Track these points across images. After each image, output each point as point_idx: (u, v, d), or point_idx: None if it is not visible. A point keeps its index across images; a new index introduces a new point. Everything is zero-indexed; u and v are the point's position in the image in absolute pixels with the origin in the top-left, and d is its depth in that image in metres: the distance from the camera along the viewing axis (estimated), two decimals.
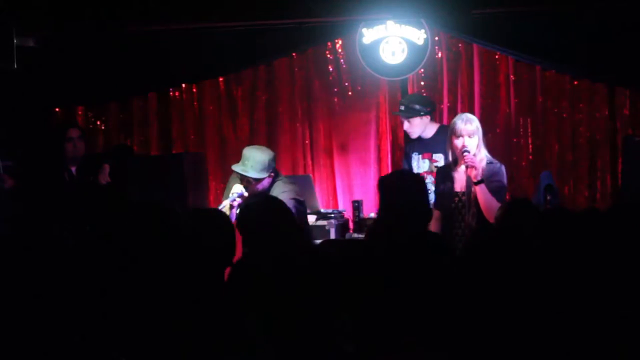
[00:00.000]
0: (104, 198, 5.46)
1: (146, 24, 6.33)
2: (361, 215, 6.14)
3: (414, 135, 5.86)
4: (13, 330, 2.87)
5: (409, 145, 6.09)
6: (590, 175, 6.48)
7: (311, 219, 5.73)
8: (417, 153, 5.92)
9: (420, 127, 5.81)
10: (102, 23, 6.20)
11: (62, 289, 3.11)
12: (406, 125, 5.86)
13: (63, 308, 2.98)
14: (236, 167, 5.04)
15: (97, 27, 6.22)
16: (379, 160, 6.90)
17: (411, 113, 5.80)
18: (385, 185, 3.86)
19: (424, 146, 5.87)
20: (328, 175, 6.93)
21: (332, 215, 6.10)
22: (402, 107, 5.85)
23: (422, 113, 5.79)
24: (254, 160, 4.95)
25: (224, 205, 5.03)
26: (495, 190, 4.61)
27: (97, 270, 3.27)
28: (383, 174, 6.84)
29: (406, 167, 6.06)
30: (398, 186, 3.81)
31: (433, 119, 5.91)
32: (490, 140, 6.49)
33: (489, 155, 4.73)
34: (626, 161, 6.07)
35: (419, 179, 4.03)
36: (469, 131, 4.66)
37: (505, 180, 4.74)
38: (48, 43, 6.19)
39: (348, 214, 6.39)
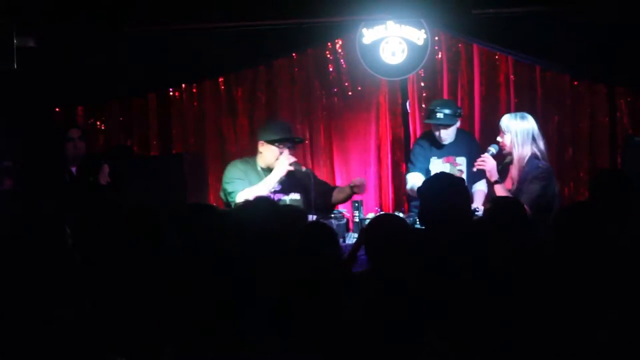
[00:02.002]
0: (104, 198, 5.46)
1: (146, 23, 6.32)
2: (361, 215, 6.12)
3: (448, 141, 5.80)
4: (12, 329, 2.88)
5: (424, 148, 5.97)
6: (590, 175, 6.48)
7: (311, 219, 5.72)
8: (436, 157, 5.86)
9: (455, 132, 5.79)
10: (102, 23, 6.20)
11: (64, 287, 3.12)
12: (443, 133, 5.75)
13: (66, 307, 2.98)
14: None
15: (97, 27, 6.22)
16: (379, 160, 6.90)
17: (452, 120, 5.72)
18: (428, 189, 3.84)
19: (445, 150, 5.83)
20: (328, 175, 6.92)
21: (332, 215, 6.08)
22: (440, 115, 5.71)
23: (456, 118, 5.77)
24: None
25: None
26: (527, 191, 4.80)
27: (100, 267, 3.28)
28: (383, 174, 6.88)
29: (421, 165, 5.99)
30: (439, 190, 3.80)
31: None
32: (491, 140, 6.53)
33: (537, 159, 4.91)
34: (626, 161, 6.08)
35: (463, 184, 4.03)
36: (500, 128, 5.01)
37: (541, 183, 4.86)
38: (48, 43, 6.19)
39: (348, 214, 6.38)
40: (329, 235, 3.47)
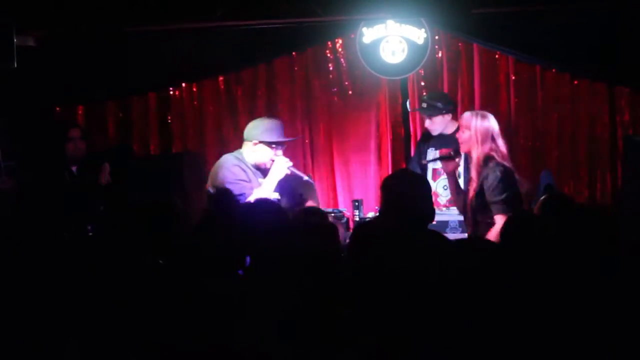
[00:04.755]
0: (104, 198, 5.46)
1: (146, 23, 6.32)
2: (361, 214, 6.13)
3: (435, 132, 5.92)
4: (14, 330, 2.88)
5: (424, 140, 6.12)
6: (590, 175, 6.49)
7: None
8: (433, 148, 5.93)
9: (442, 124, 5.87)
10: (102, 22, 6.19)
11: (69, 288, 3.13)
12: (427, 123, 5.92)
13: (72, 307, 2.98)
14: None
15: (97, 27, 6.21)
16: (379, 160, 6.90)
17: (433, 111, 5.86)
18: (388, 185, 3.85)
19: (443, 142, 5.87)
20: (328, 175, 6.93)
21: (332, 214, 6.09)
22: (424, 105, 5.91)
23: (444, 111, 5.86)
24: None
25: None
26: (499, 202, 4.71)
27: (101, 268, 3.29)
28: (383, 174, 6.87)
29: (416, 160, 6.07)
30: (402, 186, 3.80)
31: (455, 117, 5.94)
32: None
33: (494, 160, 4.79)
34: (626, 161, 6.08)
35: (424, 179, 4.05)
36: (461, 125, 4.93)
37: (498, 182, 4.75)
38: (48, 43, 6.19)
39: (348, 214, 6.38)
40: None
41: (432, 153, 5.93)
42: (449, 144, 5.79)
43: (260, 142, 5.26)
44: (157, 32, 6.38)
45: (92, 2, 6.10)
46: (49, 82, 6.41)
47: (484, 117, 4.91)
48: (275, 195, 5.28)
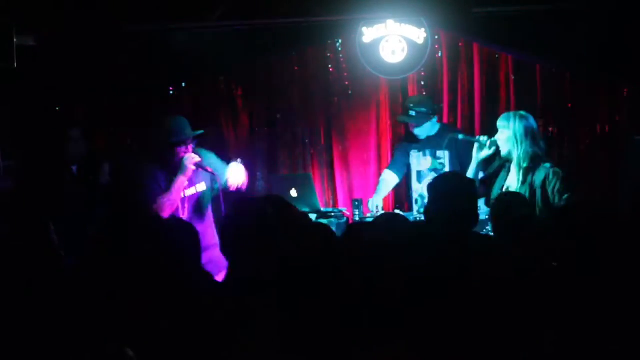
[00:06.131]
0: (103, 197, 5.47)
1: (146, 23, 6.33)
2: (361, 214, 6.14)
3: (423, 136, 5.90)
4: (11, 329, 2.88)
5: (406, 141, 6.13)
6: (591, 175, 6.48)
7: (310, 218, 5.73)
8: (417, 150, 5.94)
9: (429, 128, 5.87)
10: (102, 22, 6.19)
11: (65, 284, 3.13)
12: (417, 130, 5.89)
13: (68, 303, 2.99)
14: None
15: (97, 26, 6.22)
16: (379, 159, 6.91)
17: (423, 119, 5.83)
18: (437, 187, 3.83)
19: (426, 143, 5.90)
20: (328, 175, 6.93)
21: (332, 214, 6.09)
22: (413, 113, 5.86)
23: (431, 115, 5.84)
24: None
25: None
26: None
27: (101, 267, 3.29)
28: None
29: (399, 161, 6.08)
30: (450, 188, 3.77)
31: (440, 118, 5.97)
32: None
33: (543, 160, 4.78)
34: (626, 161, 6.08)
35: (473, 183, 4.09)
36: (498, 126, 4.88)
37: (562, 183, 4.73)
38: (48, 42, 6.19)
39: (348, 213, 6.38)
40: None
41: (415, 154, 5.94)
42: (438, 144, 5.81)
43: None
44: (157, 31, 6.39)
45: (92, 2, 6.10)
46: (49, 82, 6.40)
47: (522, 117, 4.85)
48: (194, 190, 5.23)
